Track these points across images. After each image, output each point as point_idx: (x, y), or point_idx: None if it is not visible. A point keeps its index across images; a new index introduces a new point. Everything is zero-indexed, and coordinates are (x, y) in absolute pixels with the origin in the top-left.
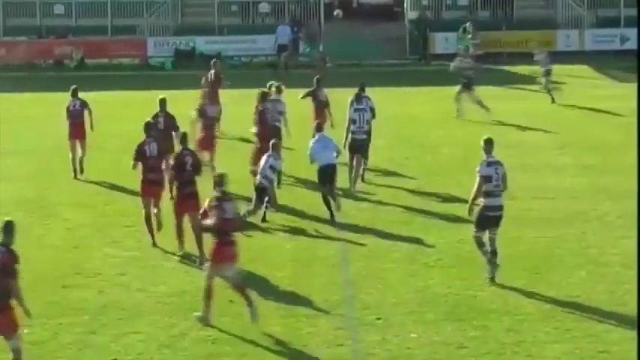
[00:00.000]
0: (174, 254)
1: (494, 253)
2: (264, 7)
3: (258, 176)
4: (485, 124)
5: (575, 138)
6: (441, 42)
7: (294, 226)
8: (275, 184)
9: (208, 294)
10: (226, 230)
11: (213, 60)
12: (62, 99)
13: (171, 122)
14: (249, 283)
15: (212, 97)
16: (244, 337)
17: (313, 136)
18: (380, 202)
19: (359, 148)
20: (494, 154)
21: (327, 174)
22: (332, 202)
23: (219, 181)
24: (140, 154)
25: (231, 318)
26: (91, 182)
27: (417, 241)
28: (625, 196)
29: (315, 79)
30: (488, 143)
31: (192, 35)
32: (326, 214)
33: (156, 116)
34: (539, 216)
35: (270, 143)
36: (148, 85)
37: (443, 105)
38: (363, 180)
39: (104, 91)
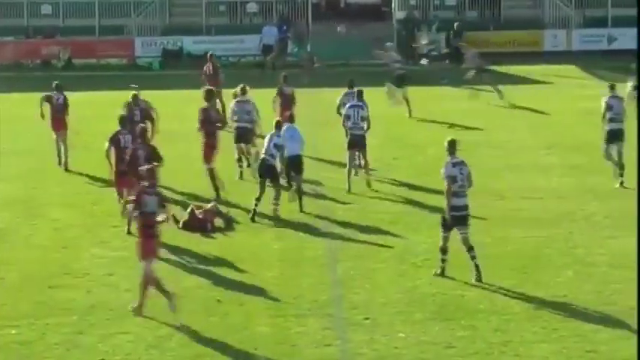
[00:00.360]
0: (161, 254)
1: (470, 250)
2: (251, 7)
3: (263, 155)
4: (472, 126)
5: (562, 138)
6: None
7: (282, 226)
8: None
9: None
10: (145, 224)
11: (209, 53)
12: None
13: (147, 113)
14: (238, 283)
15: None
16: (232, 337)
17: (277, 130)
18: (369, 202)
19: (357, 143)
20: (457, 154)
21: (292, 164)
22: (292, 190)
23: (147, 174)
24: (114, 142)
25: (219, 318)
26: (78, 182)
27: (406, 240)
28: (612, 196)
29: (281, 76)
30: (452, 144)
31: (179, 35)
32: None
33: (131, 109)
34: (527, 216)
35: (275, 121)
36: (135, 85)
37: (431, 105)
38: (356, 174)
39: (92, 92)
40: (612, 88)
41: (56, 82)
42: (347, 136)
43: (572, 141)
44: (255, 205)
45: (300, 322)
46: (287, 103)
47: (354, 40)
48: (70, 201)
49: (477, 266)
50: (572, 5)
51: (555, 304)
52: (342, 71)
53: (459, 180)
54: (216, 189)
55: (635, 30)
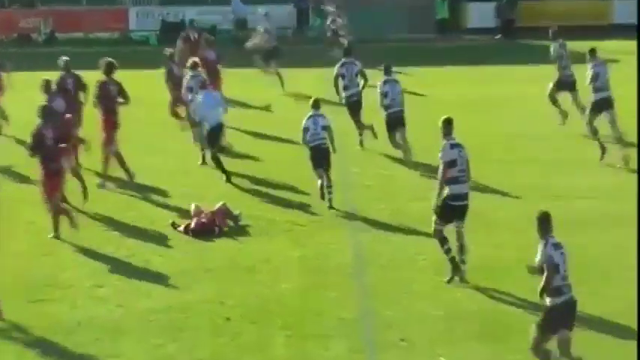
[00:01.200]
0: (158, 263)
1: (461, 248)
2: None
3: (316, 142)
4: (522, 112)
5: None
6: (476, 13)
7: (302, 229)
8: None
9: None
10: None
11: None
12: (29, 79)
13: (79, 84)
14: (250, 297)
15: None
16: None
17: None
18: (402, 201)
19: (399, 121)
20: (454, 135)
21: (216, 134)
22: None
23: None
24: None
25: (228, 338)
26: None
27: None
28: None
29: (203, 39)
30: (448, 124)
31: (181, 5)
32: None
33: (64, 78)
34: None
35: (312, 101)
36: (129, 63)
37: (478, 88)
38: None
39: (79, 71)
40: (593, 53)
41: (65, 59)
42: (385, 115)
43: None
44: (327, 192)
45: (323, 344)
46: (213, 68)
47: (386, 12)
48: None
49: (460, 263)
50: None
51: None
52: (374, 48)
53: (458, 164)
54: (128, 173)
55: None
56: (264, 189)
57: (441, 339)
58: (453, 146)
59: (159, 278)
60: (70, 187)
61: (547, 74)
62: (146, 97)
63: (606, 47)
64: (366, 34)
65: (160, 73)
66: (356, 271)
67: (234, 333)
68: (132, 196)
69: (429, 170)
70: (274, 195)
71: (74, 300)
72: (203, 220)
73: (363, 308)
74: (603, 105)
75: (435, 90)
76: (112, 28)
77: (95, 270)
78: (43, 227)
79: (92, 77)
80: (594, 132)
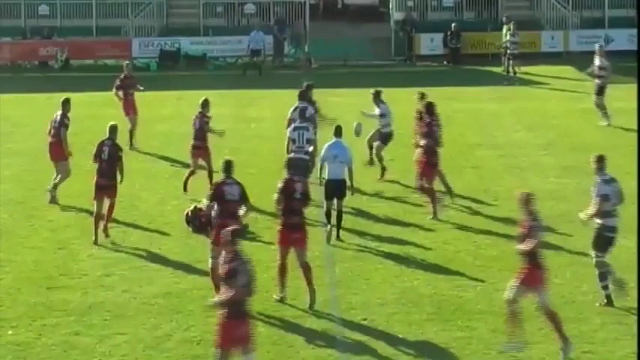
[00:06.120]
0: (159, 255)
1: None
2: (249, 8)
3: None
4: (473, 125)
5: (559, 139)
6: (427, 43)
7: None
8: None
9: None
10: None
11: (126, 62)
12: (47, 100)
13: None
14: None
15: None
16: None
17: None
18: (365, 203)
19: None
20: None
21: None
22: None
23: None
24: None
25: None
26: (75, 183)
27: (403, 241)
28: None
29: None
30: (601, 161)
31: (177, 36)
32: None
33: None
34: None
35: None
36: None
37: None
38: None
39: (89, 92)
40: (378, 96)
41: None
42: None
43: (569, 142)
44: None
45: (298, 324)
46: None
47: (351, 41)
48: (67, 202)
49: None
50: (570, 6)
51: (553, 305)
52: (340, 72)
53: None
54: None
55: (631, 31)
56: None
57: (398, 319)
58: (607, 182)
59: (159, 268)
60: (77, 189)
61: (491, 94)
62: (146, 114)
63: (536, 72)
64: (333, 59)
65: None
66: (325, 262)
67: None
68: (134, 197)
69: (386, 182)
70: (257, 198)
71: (86, 287)
72: (202, 220)
73: (332, 294)
74: (390, 137)
75: (399, 108)
76: (118, 55)
77: (104, 261)
78: (59, 225)
79: (100, 98)
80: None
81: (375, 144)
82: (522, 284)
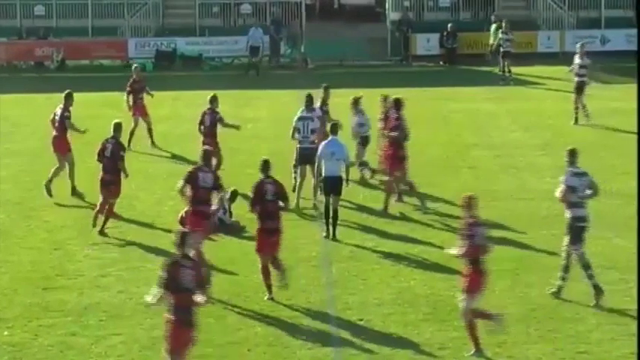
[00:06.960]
0: (155, 256)
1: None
2: (245, 9)
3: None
4: (469, 126)
5: (555, 139)
6: (423, 43)
7: None
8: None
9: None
10: None
11: (134, 66)
12: (46, 100)
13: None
14: (231, 285)
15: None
16: (227, 338)
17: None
18: (362, 203)
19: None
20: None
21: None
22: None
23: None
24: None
25: (214, 319)
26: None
27: (400, 242)
28: (602, 196)
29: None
30: (573, 155)
31: (173, 36)
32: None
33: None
34: (519, 217)
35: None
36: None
37: (424, 106)
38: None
39: (85, 92)
40: (356, 104)
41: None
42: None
43: (565, 142)
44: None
45: (294, 324)
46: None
47: (347, 41)
48: (63, 203)
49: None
50: (566, 6)
51: (548, 305)
52: (337, 72)
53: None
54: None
55: (629, 31)
56: (245, 192)
57: (394, 320)
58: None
59: (154, 269)
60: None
61: (487, 94)
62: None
63: (532, 71)
64: (329, 60)
65: (157, 95)
66: (322, 262)
67: (219, 315)
68: (132, 198)
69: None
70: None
71: (82, 288)
72: None
73: (328, 294)
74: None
75: None
76: (114, 56)
77: (100, 262)
78: (55, 225)
79: (96, 98)
80: (363, 164)
81: (356, 149)
82: (467, 292)
